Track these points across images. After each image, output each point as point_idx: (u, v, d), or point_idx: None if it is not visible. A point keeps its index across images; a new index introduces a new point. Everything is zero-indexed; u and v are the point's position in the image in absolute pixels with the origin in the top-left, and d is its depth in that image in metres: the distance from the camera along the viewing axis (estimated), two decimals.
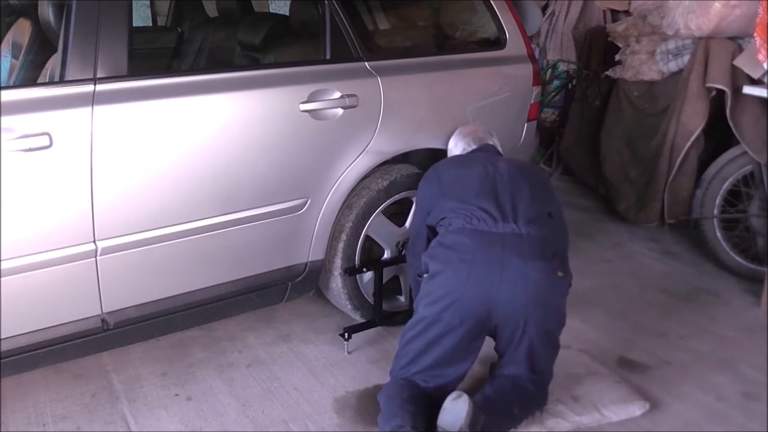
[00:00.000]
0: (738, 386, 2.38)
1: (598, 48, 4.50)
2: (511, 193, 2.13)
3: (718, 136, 3.45)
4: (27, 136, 1.81)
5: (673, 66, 3.58)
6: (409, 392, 2.02)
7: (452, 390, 2.00)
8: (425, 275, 2.10)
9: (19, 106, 1.83)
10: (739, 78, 3.18)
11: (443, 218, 2.16)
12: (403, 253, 2.62)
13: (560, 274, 2.04)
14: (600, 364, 2.43)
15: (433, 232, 2.24)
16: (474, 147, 2.45)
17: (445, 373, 2.06)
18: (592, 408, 2.16)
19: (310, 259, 2.43)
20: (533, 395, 2.08)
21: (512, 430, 2.05)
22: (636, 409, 2.19)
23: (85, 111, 1.89)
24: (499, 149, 2.48)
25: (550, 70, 4.77)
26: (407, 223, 2.63)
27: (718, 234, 3.29)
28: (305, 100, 2.25)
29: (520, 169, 2.26)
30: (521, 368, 2.06)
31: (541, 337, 2.05)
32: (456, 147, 2.51)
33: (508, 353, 2.08)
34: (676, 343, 2.65)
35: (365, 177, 2.47)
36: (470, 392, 2.01)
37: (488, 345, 2.13)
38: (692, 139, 3.39)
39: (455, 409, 1.88)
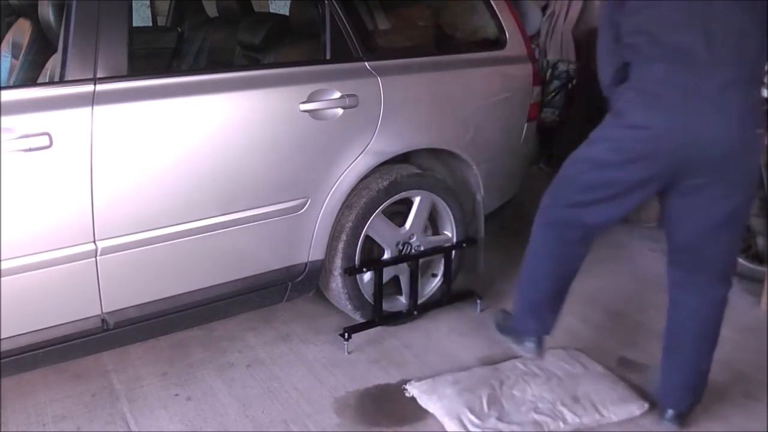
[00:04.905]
0: (738, 386, 2.38)
1: None
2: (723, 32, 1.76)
3: None
4: (27, 136, 1.80)
5: None
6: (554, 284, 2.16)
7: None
8: (613, 112, 1.96)
9: (19, 106, 1.83)
10: None
11: (635, 41, 1.93)
12: (403, 252, 2.62)
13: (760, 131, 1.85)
14: (600, 364, 2.43)
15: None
16: None
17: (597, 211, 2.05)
18: (592, 408, 2.16)
19: (310, 259, 2.43)
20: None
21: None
22: (636, 409, 2.19)
23: (85, 111, 1.89)
24: None
25: (550, 70, 4.77)
26: (407, 224, 2.63)
27: None
28: (305, 100, 2.25)
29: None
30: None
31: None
32: None
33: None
34: None
35: (365, 177, 2.46)
36: None
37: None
38: None
39: None
